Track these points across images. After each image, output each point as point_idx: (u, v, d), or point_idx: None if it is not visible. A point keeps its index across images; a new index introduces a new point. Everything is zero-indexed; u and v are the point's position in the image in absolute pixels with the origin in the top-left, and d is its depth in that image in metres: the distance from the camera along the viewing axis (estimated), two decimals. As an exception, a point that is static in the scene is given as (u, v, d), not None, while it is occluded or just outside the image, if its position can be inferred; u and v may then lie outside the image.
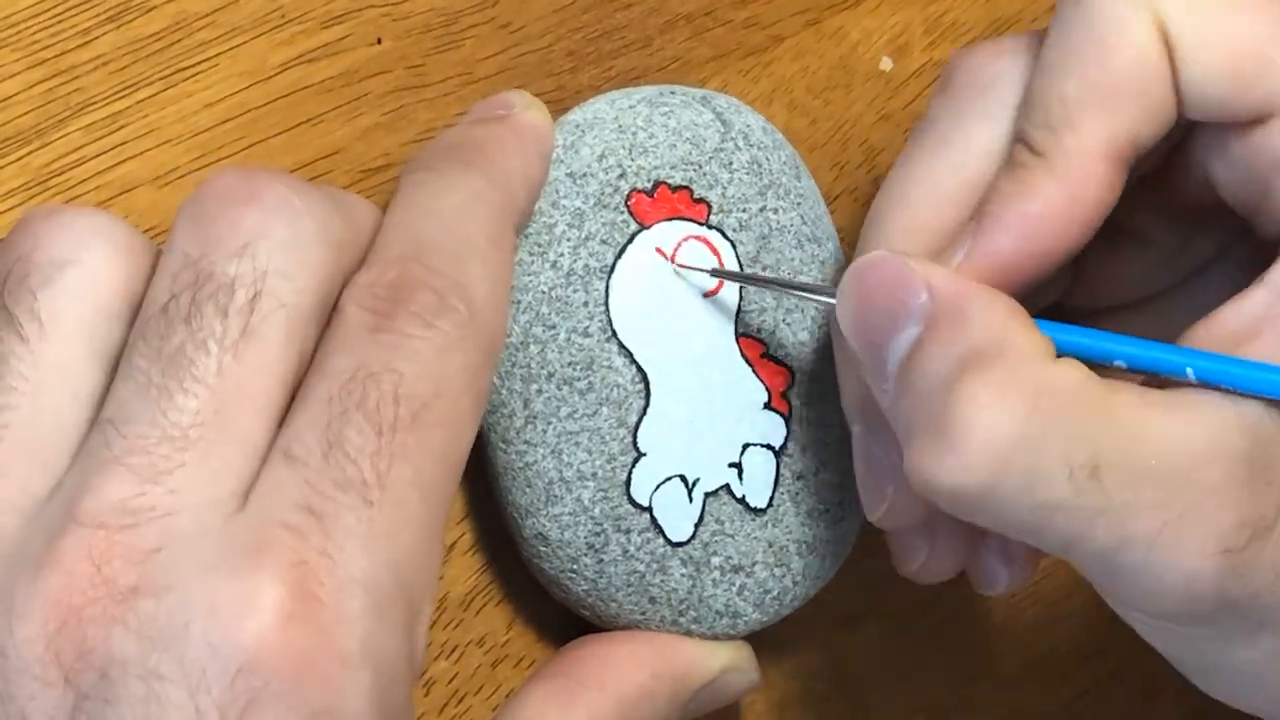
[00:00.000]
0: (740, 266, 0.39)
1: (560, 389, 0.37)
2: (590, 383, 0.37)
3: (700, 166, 0.39)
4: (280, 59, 0.39)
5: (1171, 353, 0.34)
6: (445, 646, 0.40)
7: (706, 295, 0.38)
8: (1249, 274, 0.34)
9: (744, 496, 0.39)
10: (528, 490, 0.38)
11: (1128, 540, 0.32)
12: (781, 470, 0.39)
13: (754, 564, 0.39)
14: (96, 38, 0.38)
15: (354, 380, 0.30)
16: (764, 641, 0.43)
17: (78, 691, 0.28)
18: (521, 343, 0.37)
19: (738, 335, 0.39)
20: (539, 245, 0.38)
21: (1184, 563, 0.32)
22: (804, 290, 0.38)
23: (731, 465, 0.38)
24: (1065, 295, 0.40)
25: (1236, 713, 0.45)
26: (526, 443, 0.38)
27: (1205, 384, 0.33)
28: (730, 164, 0.39)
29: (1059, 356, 0.33)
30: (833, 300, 0.35)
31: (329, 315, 0.32)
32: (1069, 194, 0.34)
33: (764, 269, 0.39)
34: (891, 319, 0.34)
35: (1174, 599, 0.32)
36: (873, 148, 0.44)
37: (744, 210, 0.39)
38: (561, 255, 0.38)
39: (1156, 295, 0.40)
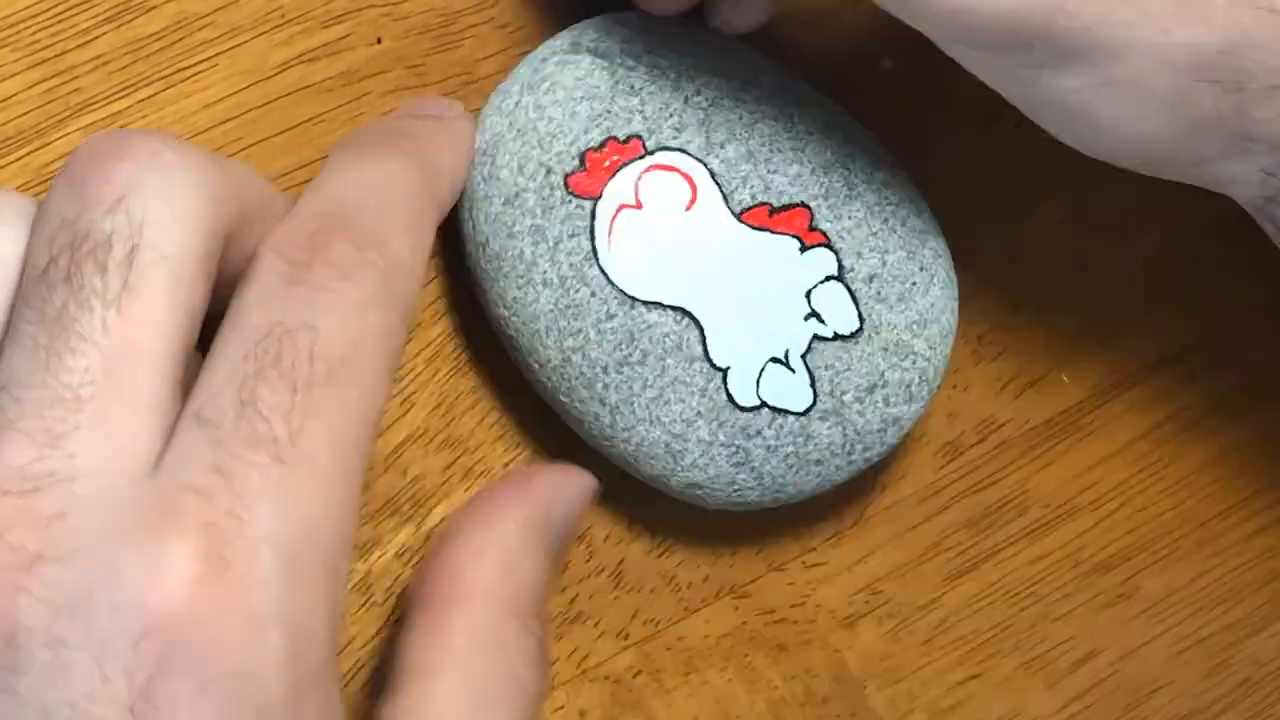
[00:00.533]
0: (702, 163, 0.39)
1: (620, 373, 0.38)
2: (642, 351, 0.38)
3: (608, 112, 0.39)
4: (280, 59, 0.40)
5: None
6: (444, 646, 0.40)
7: (688, 208, 0.39)
8: None
9: (835, 333, 0.39)
10: (654, 462, 0.39)
11: None
12: (852, 287, 0.39)
13: (883, 373, 0.40)
14: (96, 38, 0.38)
15: (269, 338, 0.30)
16: (763, 641, 0.43)
17: None
18: (563, 360, 0.38)
19: (738, 216, 0.39)
20: (520, 277, 0.38)
21: None
22: None
23: (808, 317, 0.39)
24: None
25: (1231, 711, 0.45)
26: (624, 429, 0.39)
27: None
28: (632, 87, 0.39)
29: None
30: None
31: (217, 269, 0.31)
32: None
33: (721, 146, 0.39)
34: None
35: (977, 20, 0.33)
36: (873, 148, 0.44)
37: (670, 113, 0.39)
38: (545, 273, 0.38)
39: None
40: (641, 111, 0.39)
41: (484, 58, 0.41)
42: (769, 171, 0.39)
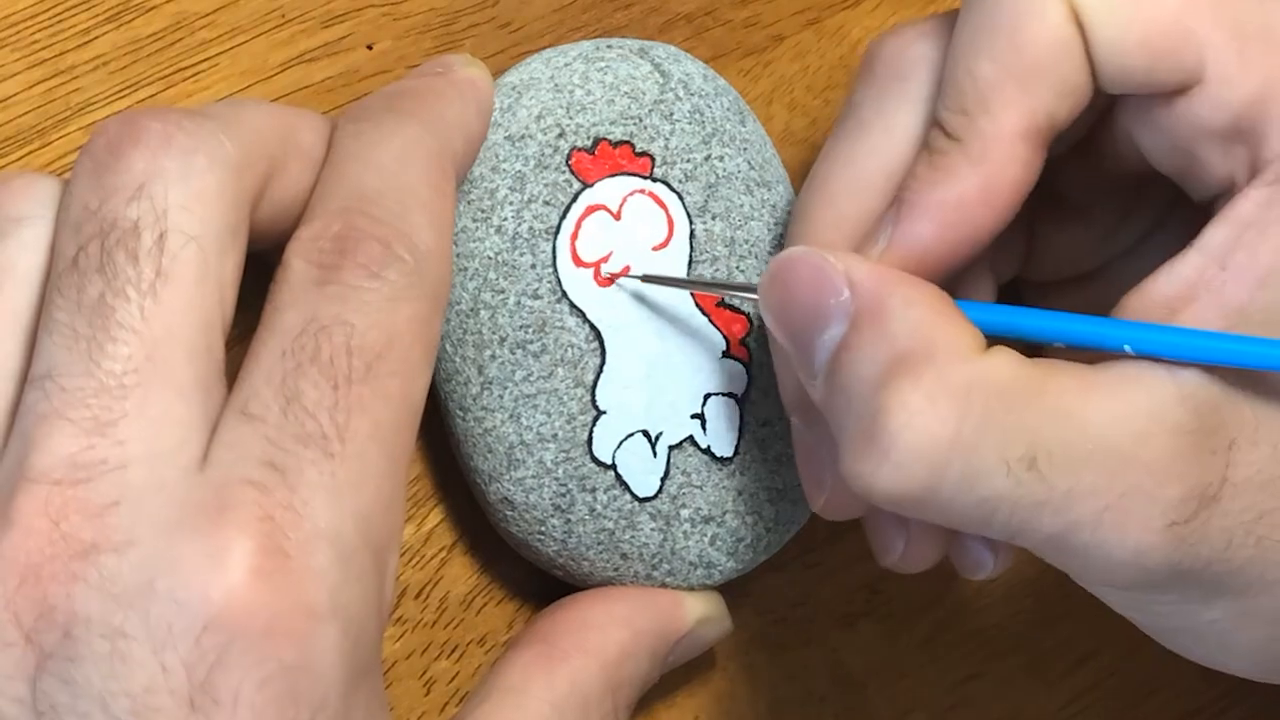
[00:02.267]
0: (689, 218, 0.38)
1: (514, 353, 0.37)
2: (544, 344, 0.37)
3: (641, 120, 0.38)
4: (280, 59, 0.40)
5: (1104, 325, 0.33)
6: (446, 646, 0.40)
7: (655, 249, 0.38)
8: (1188, 240, 0.34)
9: (709, 447, 0.38)
10: (489, 456, 0.38)
11: (1073, 525, 0.32)
12: (746, 417, 0.39)
13: (724, 513, 0.39)
14: (96, 37, 0.38)
15: (305, 334, 0.30)
16: (763, 641, 0.43)
17: (40, 651, 0.28)
18: (471, 309, 0.37)
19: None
20: (482, 211, 0.37)
21: (1131, 540, 0.32)
22: (733, 289, 0.38)
23: (694, 416, 0.38)
24: (1022, 269, 0.40)
25: (1231, 711, 0.45)
26: (484, 409, 0.37)
27: (1141, 355, 0.32)
28: (671, 114, 0.39)
29: (992, 341, 0.33)
30: (755, 297, 0.35)
31: (246, 244, 0.32)
32: (985, 177, 0.34)
33: (713, 218, 0.38)
34: (815, 317, 0.33)
35: (1126, 574, 0.32)
36: (873, 147, 0.44)
37: (689, 160, 0.39)
38: (505, 220, 0.37)
39: (1106, 266, 0.39)
40: (667, 140, 0.38)
41: (484, 58, 0.41)
42: (736, 269, 0.39)
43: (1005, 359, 0.32)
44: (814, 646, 0.44)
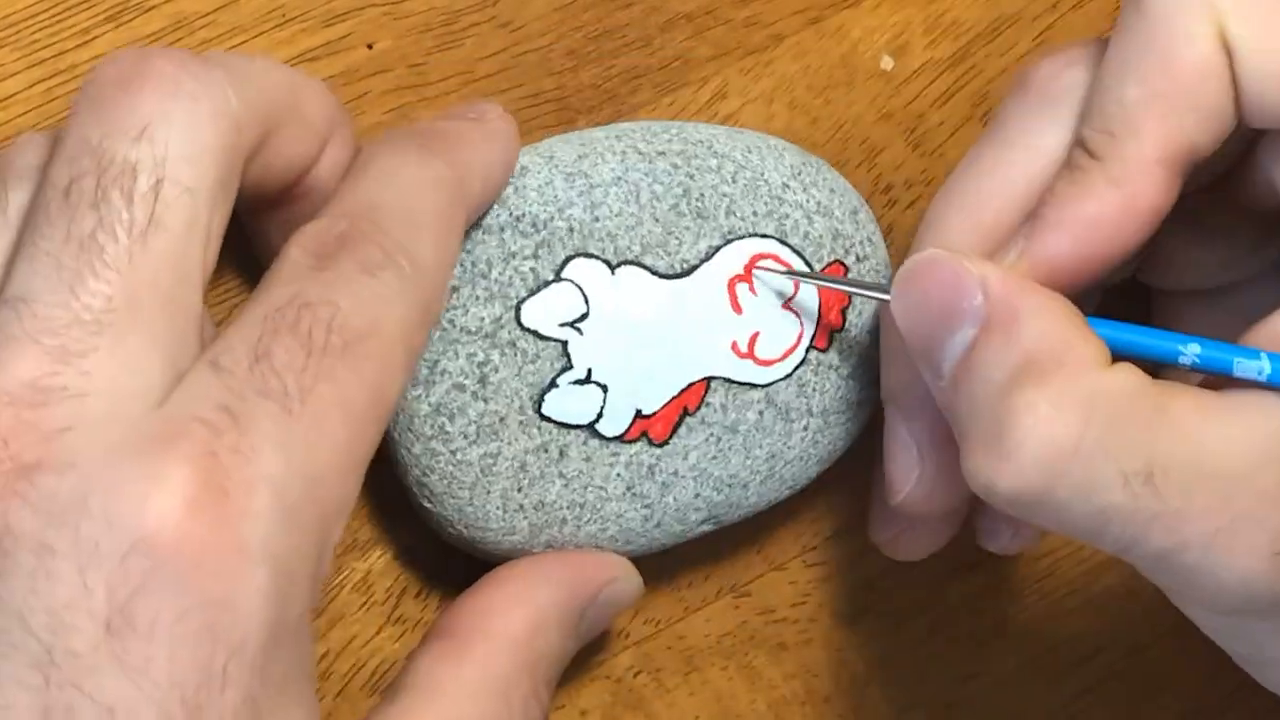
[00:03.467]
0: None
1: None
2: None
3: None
4: (281, 58, 0.39)
5: (1229, 352, 0.34)
6: (445, 646, 0.40)
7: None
8: None
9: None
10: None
11: (1183, 544, 0.32)
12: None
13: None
14: (96, 37, 0.38)
15: (290, 305, 0.30)
16: (764, 639, 0.43)
17: None
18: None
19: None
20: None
21: (1239, 564, 0.32)
22: (864, 290, 0.38)
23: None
24: (1139, 272, 0.40)
25: (1232, 712, 0.45)
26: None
27: (1264, 385, 0.33)
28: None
29: (1115, 359, 0.34)
30: (887, 297, 0.36)
31: (245, 191, 0.32)
32: (1124, 198, 0.35)
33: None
34: (947, 319, 0.34)
35: (1230, 598, 0.33)
36: (873, 147, 0.44)
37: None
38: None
39: (1230, 287, 0.40)
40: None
41: (485, 57, 0.41)
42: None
43: (1129, 374, 0.33)
44: (815, 645, 0.44)
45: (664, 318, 0.38)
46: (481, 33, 0.41)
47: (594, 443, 0.38)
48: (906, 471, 0.38)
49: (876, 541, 0.40)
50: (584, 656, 0.41)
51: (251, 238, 0.36)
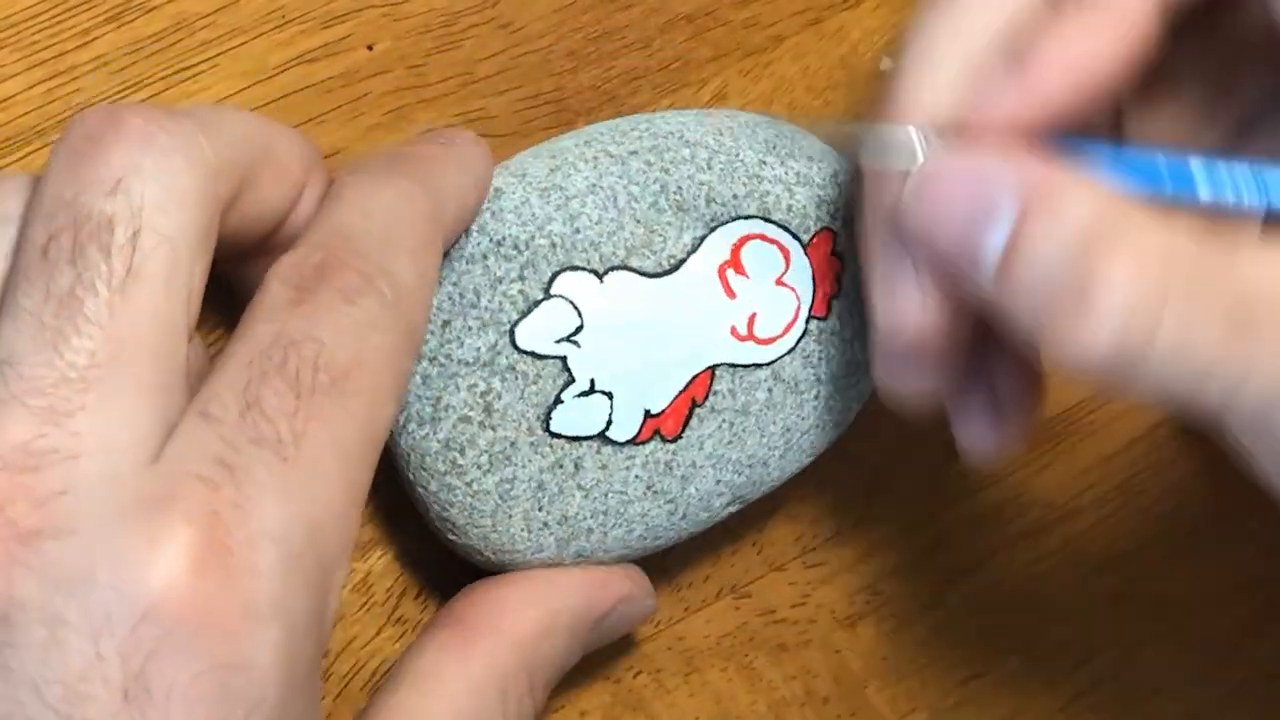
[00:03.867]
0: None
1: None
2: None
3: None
4: (280, 59, 0.39)
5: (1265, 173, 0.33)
6: (445, 646, 0.40)
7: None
8: None
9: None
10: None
11: None
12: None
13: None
14: (96, 38, 0.38)
15: (274, 346, 0.30)
16: (764, 641, 0.43)
17: None
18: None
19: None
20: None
21: None
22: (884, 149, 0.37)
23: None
24: (1128, 128, 0.39)
25: (1231, 712, 0.45)
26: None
27: None
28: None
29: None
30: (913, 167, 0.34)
31: (223, 243, 0.32)
32: (1115, 35, 0.34)
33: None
34: (978, 220, 0.33)
35: None
36: (873, 148, 0.44)
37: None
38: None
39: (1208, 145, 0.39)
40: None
41: (485, 58, 0.41)
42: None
43: (1188, 224, 0.33)
44: (815, 647, 0.44)
45: (658, 316, 0.38)
46: (481, 34, 0.41)
47: (607, 450, 0.38)
48: (911, 305, 0.36)
49: (967, 447, 0.39)
50: (584, 657, 0.42)
51: (235, 288, 0.36)
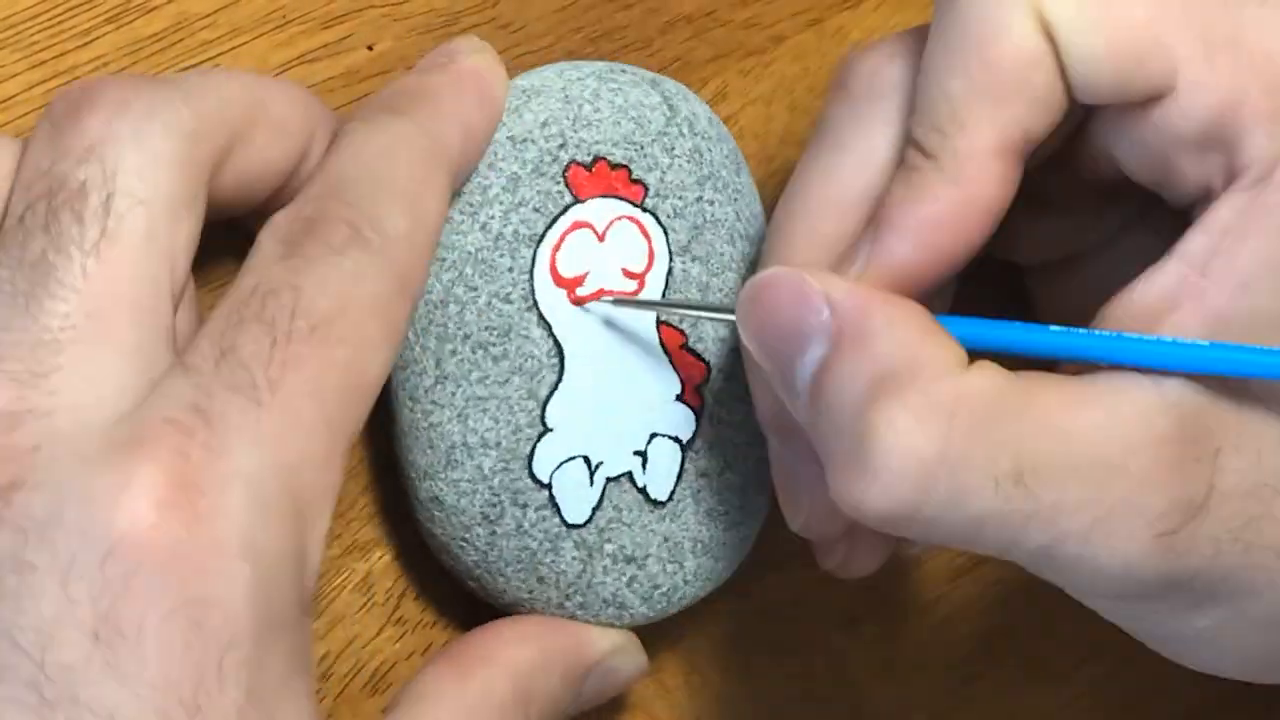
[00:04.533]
0: (670, 255, 0.38)
1: (474, 352, 0.37)
2: (505, 350, 0.37)
3: (642, 147, 0.38)
4: (281, 59, 0.39)
5: (1086, 339, 0.33)
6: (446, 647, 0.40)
7: (630, 276, 0.38)
8: (1170, 231, 0.34)
9: (645, 486, 0.38)
10: (429, 451, 0.37)
11: (1061, 538, 0.32)
12: (686, 465, 0.39)
13: (647, 556, 0.38)
14: (96, 39, 0.38)
15: (254, 295, 0.30)
16: (766, 641, 0.43)
17: None
18: (441, 301, 0.37)
19: (659, 322, 0.38)
20: (470, 205, 0.37)
21: (1120, 551, 0.32)
22: (706, 311, 0.38)
23: (637, 453, 0.38)
24: (993, 249, 0.39)
25: (1230, 713, 0.45)
26: (433, 403, 0.37)
27: (1124, 366, 0.32)
28: (672, 149, 0.38)
29: (974, 357, 0.33)
30: (733, 317, 0.35)
31: (204, 212, 0.32)
32: (962, 195, 0.34)
33: (693, 259, 0.38)
34: (795, 338, 0.33)
35: (1116, 585, 0.32)
36: (873, 148, 0.44)
37: (681, 198, 0.38)
38: (492, 218, 0.37)
39: (1082, 254, 0.39)
40: (664, 174, 0.38)
41: (485, 58, 0.41)
42: (705, 312, 0.38)
43: (988, 374, 0.32)
44: (815, 647, 0.44)
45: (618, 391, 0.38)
46: (482, 34, 0.41)
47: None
48: (796, 497, 0.37)
49: (827, 569, 0.39)
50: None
51: None
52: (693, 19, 0.43)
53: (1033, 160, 0.35)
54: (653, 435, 0.38)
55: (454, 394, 0.37)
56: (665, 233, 0.38)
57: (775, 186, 0.44)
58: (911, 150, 0.35)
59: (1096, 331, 0.33)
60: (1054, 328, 0.33)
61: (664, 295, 0.38)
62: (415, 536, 0.40)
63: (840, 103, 0.37)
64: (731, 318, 0.35)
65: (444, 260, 0.37)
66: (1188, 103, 0.33)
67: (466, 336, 0.37)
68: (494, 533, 0.37)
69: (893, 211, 0.34)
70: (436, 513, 0.38)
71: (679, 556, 0.39)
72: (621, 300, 0.38)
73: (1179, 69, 0.33)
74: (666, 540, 0.39)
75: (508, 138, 0.38)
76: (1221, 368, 0.32)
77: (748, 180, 0.40)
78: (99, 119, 0.31)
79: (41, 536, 0.28)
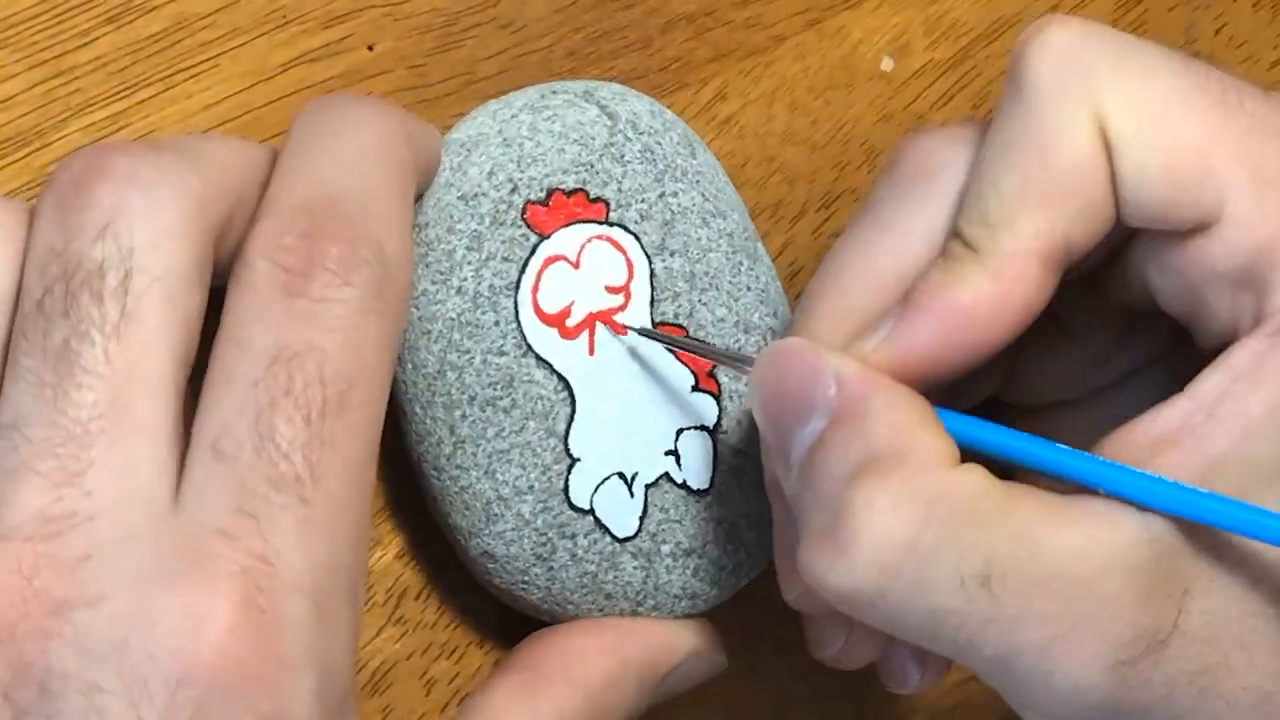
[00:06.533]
0: (648, 257, 0.38)
1: (484, 411, 0.37)
2: (513, 400, 0.37)
3: (592, 165, 0.38)
4: (281, 59, 0.40)
5: (1081, 460, 0.33)
6: (446, 647, 0.40)
7: (615, 291, 0.38)
8: (1185, 381, 0.33)
9: (685, 481, 0.38)
10: (467, 513, 0.37)
11: (1018, 648, 0.31)
12: (719, 448, 0.39)
13: (706, 544, 0.38)
14: (96, 38, 0.38)
15: (278, 362, 0.30)
16: (766, 642, 0.43)
17: (16, 708, 0.28)
18: (438, 371, 0.37)
19: (655, 323, 0.38)
20: (440, 273, 0.37)
21: (1075, 672, 0.31)
22: (731, 360, 0.38)
23: (668, 453, 0.38)
24: (1002, 390, 0.39)
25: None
26: (458, 467, 0.37)
27: (1113, 495, 0.32)
28: (622, 156, 0.38)
29: (966, 457, 0.33)
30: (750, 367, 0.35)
31: (220, 268, 0.31)
32: (998, 291, 0.34)
33: (671, 254, 0.38)
34: (799, 409, 0.33)
35: (1065, 707, 0.32)
36: (874, 148, 0.44)
37: (643, 200, 0.38)
38: (465, 280, 0.37)
39: (1093, 394, 0.39)
40: (620, 183, 0.38)
41: (486, 58, 0.41)
42: (700, 302, 0.38)
43: (975, 475, 0.32)
44: (817, 647, 0.44)
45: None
46: (482, 34, 0.41)
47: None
48: (794, 568, 0.36)
49: (821, 659, 0.39)
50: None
51: None
52: (693, 19, 0.43)
53: (1066, 276, 0.35)
54: (680, 431, 0.38)
55: (475, 454, 0.37)
56: (637, 238, 0.38)
57: (775, 186, 0.44)
58: (955, 240, 0.34)
59: (1093, 456, 0.33)
60: (1050, 443, 0.33)
61: (652, 298, 0.38)
62: (415, 536, 0.40)
63: (889, 182, 0.37)
64: (749, 369, 0.35)
65: (430, 332, 0.37)
66: (1231, 237, 0.33)
67: (472, 398, 0.37)
68: (551, 569, 0.38)
69: (925, 293, 0.34)
70: (489, 565, 0.38)
71: (737, 535, 0.39)
72: (647, 332, 0.38)
73: (1227, 201, 0.33)
74: (720, 524, 0.39)
75: (459, 197, 0.37)
76: (1208, 518, 0.31)
77: (705, 156, 0.40)
78: (109, 191, 0.30)
79: (108, 659, 0.28)
